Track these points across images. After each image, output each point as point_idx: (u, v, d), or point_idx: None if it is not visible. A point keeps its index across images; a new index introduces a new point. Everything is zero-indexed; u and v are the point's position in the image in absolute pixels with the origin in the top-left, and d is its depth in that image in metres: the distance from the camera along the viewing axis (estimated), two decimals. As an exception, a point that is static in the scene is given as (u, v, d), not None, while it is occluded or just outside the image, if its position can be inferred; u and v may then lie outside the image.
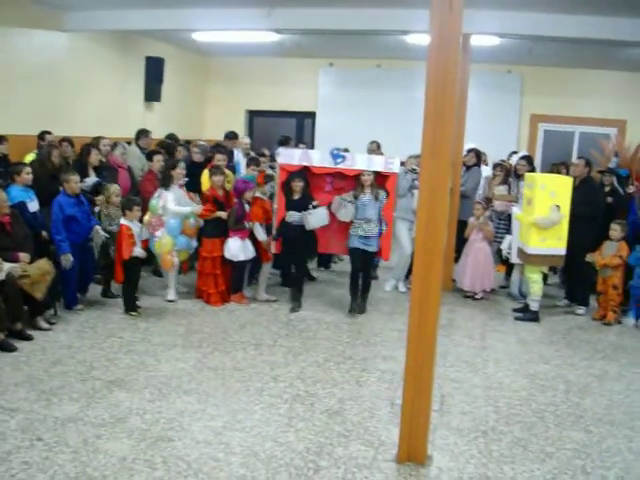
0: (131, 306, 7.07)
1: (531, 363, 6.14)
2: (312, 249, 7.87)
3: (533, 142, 12.90)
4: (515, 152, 9.96)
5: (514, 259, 7.87)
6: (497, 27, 8.27)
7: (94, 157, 7.95)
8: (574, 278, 8.04)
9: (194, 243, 7.63)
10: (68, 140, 8.55)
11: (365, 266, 7.45)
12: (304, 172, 7.46)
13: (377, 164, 7.33)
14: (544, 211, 6.87)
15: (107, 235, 7.11)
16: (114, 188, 7.38)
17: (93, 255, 7.16)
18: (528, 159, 8.76)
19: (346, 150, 9.41)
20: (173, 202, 7.28)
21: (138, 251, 6.94)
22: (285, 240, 7.48)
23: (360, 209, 7.19)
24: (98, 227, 7.07)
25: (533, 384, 5.61)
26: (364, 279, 7.50)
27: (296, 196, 7.36)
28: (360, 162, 7.36)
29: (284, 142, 10.15)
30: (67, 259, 6.67)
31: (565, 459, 4.30)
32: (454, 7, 3.77)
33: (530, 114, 12.81)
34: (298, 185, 7.33)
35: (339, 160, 7.38)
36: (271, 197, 7.92)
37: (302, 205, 7.34)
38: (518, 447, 4.44)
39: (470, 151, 9.16)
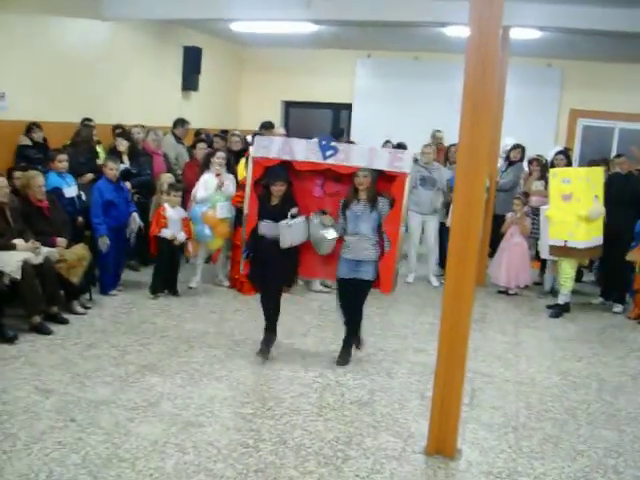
0: (153, 287, 7.25)
1: (564, 360, 6.08)
2: (291, 273, 5.81)
3: (572, 137, 12.70)
4: (561, 151, 9.74)
5: (544, 255, 7.81)
6: (538, 20, 8.16)
7: (118, 144, 8.15)
8: (610, 276, 7.93)
9: (207, 231, 7.35)
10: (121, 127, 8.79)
11: (354, 298, 5.54)
12: (287, 170, 5.54)
13: (380, 160, 5.32)
14: (590, 203, 6.82)
15: (142, 222, 7.23)
16: (165, 177, 7.53)
17: (128, 241, 7.32)
18: (565, 153, 8.68)
19: (388, 142, 9.24)
20: (202, 189, 7.37)
21: (166, 232, 7.04)
22: (256, 259, 5.66)
23: (352, 222, 5.38)
24: (135, 214, 7.20)
25: (566, 381, 5.56)
26: (353, 313, 5.62)
27: (275, 201, 5.54)
28: (357, 156, 5.34)
29: (338, 135, 10.06)
30: (104, 241, 6.84)
31: (597, 458, 4.26)
32: (494, -2, 3.74)
33: (569, 109, 12.60)
34: (279, 189, 5.47)
35: (329, 153, 5.37)
36: None
37: (282, 213, 5.46)
38: (549, 444, 4.40)
39: (516, 147, 9.17)
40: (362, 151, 5.44)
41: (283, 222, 5.38)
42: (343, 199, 5.47)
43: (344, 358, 5.62)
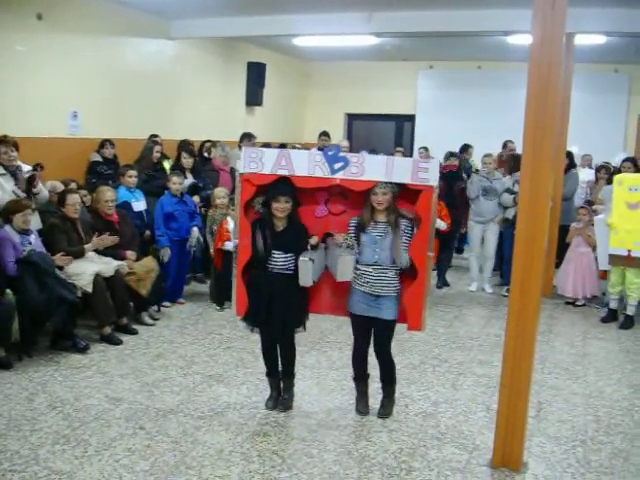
0: (218, 299, 7.36)
1: (635, 373, 5.92)
2: (300, 312, 4.68)
3: (641, 144, 12.43)
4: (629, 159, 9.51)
5: (602, 266, 7.56)
6: (602, 25, 8.01)
7: (183, 160, 8.35)
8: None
9: None
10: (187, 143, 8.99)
11: (378, 341, 4.64)
12: (291, 184, 4.43)
13: (401, 172, 4.32)
14: None
15: (201, 237, 7.43)
16: (217, 191, 7.66)
17: (188, 254, 7.49)
18: (633, 161, 8.47)
19: (452, 155, 9.11)
20: None
21: (229, 245, 7.16)
22: (257, 296, 4.55)
23: (367, 248, 4.42)
24: (195, 228, 7.36)
25: (636, 394, 5.40)
26: (381, 362, 4.70)
27: (280, 225, 4.50)
28: (372, 168, 4.35)
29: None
30: (165, 252, 7.05)
31: (669, 473, 4.14)
32: (557, 5, 3.70)
33: (638, 115, 12.34)
34: (283, 208, 4.41)
35: (338, 165, 4.36)
36: None
37: (291, 242, 4.45)
38: (618, 458, 4.29)
39: None
40: (378, 162, 4.41)
41: (304, 257, 4.31)
42: (356, 218, 4.50)
43: (385, 410, 4.78)
